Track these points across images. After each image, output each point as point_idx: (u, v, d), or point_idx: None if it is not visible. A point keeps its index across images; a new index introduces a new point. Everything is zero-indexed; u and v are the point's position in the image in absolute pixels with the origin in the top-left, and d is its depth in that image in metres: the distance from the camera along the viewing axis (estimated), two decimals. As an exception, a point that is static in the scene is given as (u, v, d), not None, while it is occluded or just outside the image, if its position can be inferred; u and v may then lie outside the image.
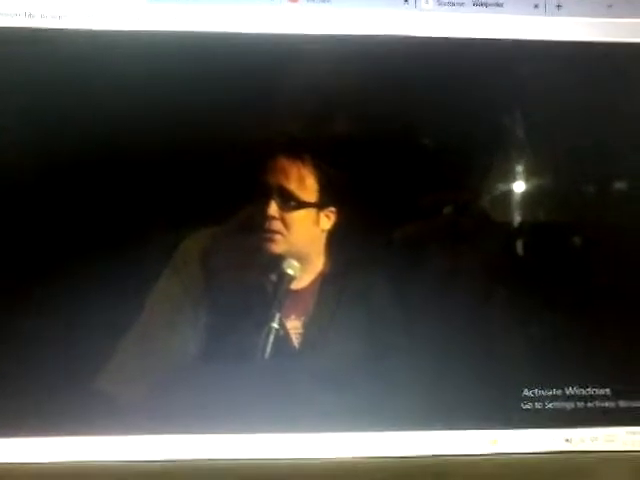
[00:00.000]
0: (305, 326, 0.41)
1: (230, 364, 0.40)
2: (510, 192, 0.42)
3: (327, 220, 0.40)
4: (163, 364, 0.40)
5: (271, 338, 0.40)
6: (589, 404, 0.41)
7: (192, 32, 0.39)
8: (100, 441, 0.40)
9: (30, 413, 0.39)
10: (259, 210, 0.39)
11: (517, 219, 0.42)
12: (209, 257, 0.40)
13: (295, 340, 0.41)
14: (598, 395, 0.41)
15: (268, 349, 0.40)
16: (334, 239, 0.41)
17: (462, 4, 0.39)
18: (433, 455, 0.41)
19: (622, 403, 0.41)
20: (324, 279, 0.41)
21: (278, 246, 0.40)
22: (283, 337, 0.40)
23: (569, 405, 0.41)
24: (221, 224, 0.40)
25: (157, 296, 0.40)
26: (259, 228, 0.40)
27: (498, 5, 0.39)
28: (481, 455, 0.41)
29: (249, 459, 0.40)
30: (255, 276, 0.40)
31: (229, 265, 0.40)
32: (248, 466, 0.40)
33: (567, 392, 0.41)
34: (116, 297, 0.39)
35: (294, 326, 0.41)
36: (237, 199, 0.39)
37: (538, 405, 0.41)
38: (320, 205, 0.40)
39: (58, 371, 0.39)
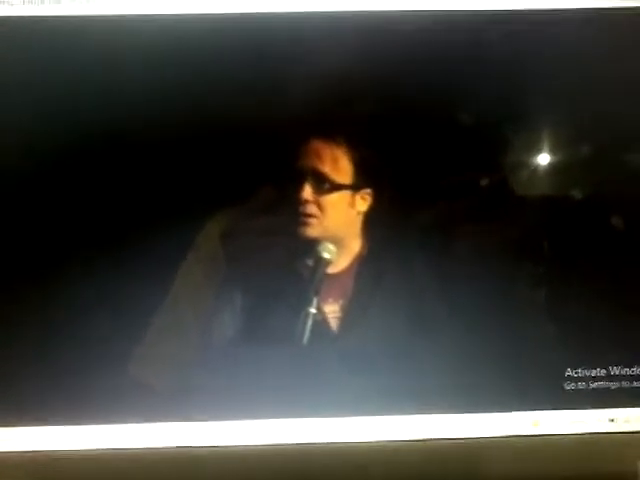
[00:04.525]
0: (343, 309, 0.41)
1: (269, 349, 0.40)
2: (546, 168, 0.41)
3: (363, 202, 0.40)
4: (194, 349, 0.40)
5: (309, 323, 0.39)
6: (634, 384, 0.40)
7: (221, 14, 0.38)
8: (134, 428, 0.40)
9: (60, 402, 0.40)
10: (293, 194, 0.39)
11: (555, 195, 0.41)
12: (243, 242, 0.40)
13: (333, 324, 0.41)
14: (643, 375, 0.40)
15: (307, 334, 0.39)
16: (370, 221, 0.40)
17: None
18: (475, 437, 0.41)
19: (668, 382, 0.40)
20: (361, 262, 0.41)
21: (314, 230, 0.39)
22: (321, 321, 0.40)
23: (613, 385, 0.41)
24: (256, 209, 0.39)
25: (188, 280, 0.40)
26: (293, 212, 0.39)
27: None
28: (523, 436, 0.41)
29: (290, 443, 0.40)
30: (291, 260, 0.40)
31: (265, 250, 0.39)
32: (290, 450, 0.40)
33: (611, 372, 0.40)
34: (146, 281, 0.39)
35: (332, 310, 0.41)
36: (271, 183, 0.39)
37: (581, 385, 0.40)
38: (355, 187, 0.39)
39: (89, 359, 0.39)
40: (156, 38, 0.38)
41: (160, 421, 0.40)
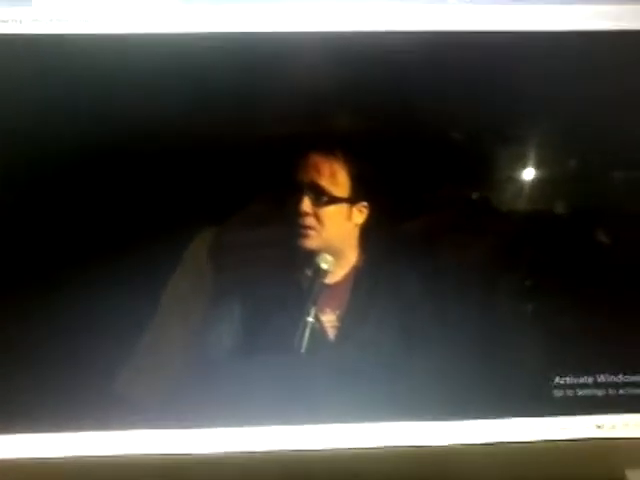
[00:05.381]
0: (340, 319, 0.42)
1: (267, 357, 0.41)
2: (539, 181, 0.42)
3: (360, 214, 0.41)
4: (186, 361, 0.41)
5: (307, 332, 0.40)
6: (620, 391, 0.42)
7: (219, 33, 0.39)
8: (130, 435, 0.41)
9: (48, 410, 0.41)
10: (292, 206, 0.40)
11: (545, 207, 0.43)
12: (242, 253, 0.41)
13: (331, 333, 0.42)
14: (629, 382, 0.42)
15: (305, 342, 0.40)
16: (367, 233, 0.41)
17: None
18: (464, 444, 0.42)
19: (654, 389, 0.42)
20: (358, 273, 0.42)
21: (312, 241, 0.41)
22: (319, 330, 0.41)
23: (600, 392, 0.42)
24: (253, 220, 0.40)
25: (175, 294, 0.40)
26: (293, 224, 0.40)
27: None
28: (512, 443, 0.42)
29: (287, 450, 0.41)
30: (290, 271, 0.41)
31: (263, 261, 0.40)
32: (287, 457, 0.41)
33: (598, 379, 0.42)
34: (136, 294, 0.40)
35: (329, 319, 0.42)
36: (270, 196, 0.40)
37: (569, 392, 0.42)
38: (352, 200, 0.41)
39: (76, 372, 0.40)
40: (155, 55, 0.39)
41: (155, 428, 0.41)
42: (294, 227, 0.40)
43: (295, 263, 0.41)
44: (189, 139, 0.40)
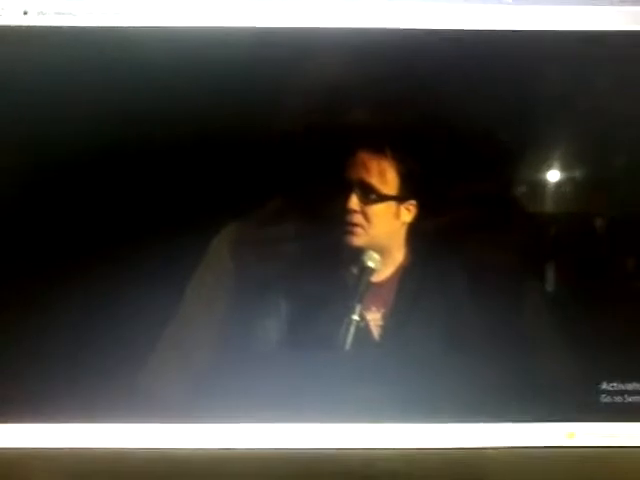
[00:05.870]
0: (385, 318, 0.41)
1: (311, 354, 0.41)
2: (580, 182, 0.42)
3: (407, 213, 0.41)
4: (220, 357, 0.41)
5: (352, 330, 0.40)
6: (670, 398, 0.41)
7: (263, 27, 0.39)
8: (155, 428, 0.41)
9: (73, 401, 0.41)
10: (340, 204, 0.40)
11: (594, 208, 0.42)
12: (285, 248, 0.41)
13: (375, 332, 0.41)
14: (679, 389, 0.41)
15: (349, 340, 0.40)
16: (414, 232, 0.41)
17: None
18: (511, 447, 0.41)
19: (703, 397, 0.41)
20: (404, 272, 0.42)
21: (359, 239, 0.40)
22: (363, 329, 0.41)
23: (648, 399, 0.41)
24: (302, 217, 0.40)
25: (200, 290, 0.41)
26: (340, 221, 0.40)
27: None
28: (558, 447, 0.41)
29: (331, 448, 0.41)
30: (336, 268, 0.41)
31: (310, 257, 0.40)
32: (326, 456, 0.41)
33: (647, 386, 0.41)
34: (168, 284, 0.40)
35: (374, 318, 0.41)
36: (319, 193, 0.40)
37: (617, 398, 0.41)
38: (401, 198, 0.40)
39: (101, 365, 0.41)
40: (186, 50, 0.39)
41: (179, 422, 0.41)
42: (342, 224, 0.40)
43: (341, 260, 0.41)
44: (225, 133, 0.40)
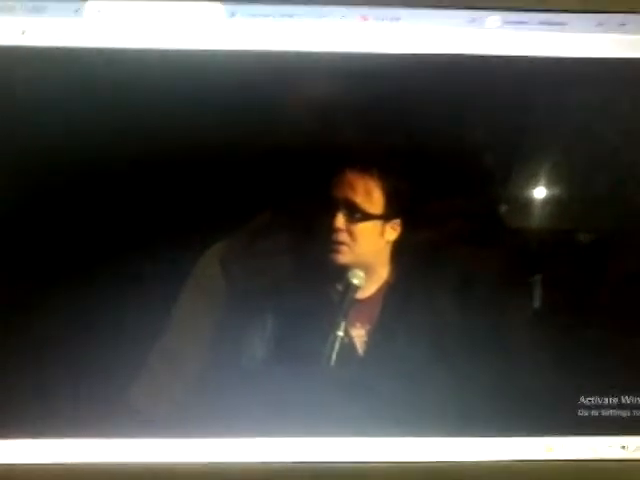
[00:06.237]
0: (369, 334, 0.42)
1: (296, 369, 0.41)
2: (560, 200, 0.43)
3: (392, 231, 0.41)
4: (208, 371, 0.42)
5: (337, 346, 0.41)
6: (645, 412, 0.42)
7: (270, 51, 0.40)
8: (148, 443, 0.42)
9: (63, 417, 0.41)
10: (326, 222, 0.41)
11: (578, 224, 0.43)
12: (278, 264, 0.41)
13: (360, 348, 0.42)
14: (655, 404, 0.42)
15: (334, 356, 0.41)
16: (398, 250, 0.42)
17: (526, 23, 0.40)
18: (490, 460, 0.42)
19: (678, 412, 0.42)
20: (388, 289, 0.42)
21: (344, 257, 0.41)
22: (348, 345, 0.42)
23: (625, 413, 0.42)
24: (286, 235, 0.41)
25: (189, 306, 0.41)
26: (326, 239, 0.41)
27: (562, 24, 0.40)
28: (537, 461, 0.42)
29: (315, 462, 0.42)
30: (322, 285, 0.42)
31: (296, 273, 0.41)
32: (310, 470, 0.42)
33: (623, 400, 0.42)
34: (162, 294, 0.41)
35: (358, 334, 0.42)
36: (304, 212, 0.41)
37: (594, 412, 0.42)
38: (386, 217, 0.41)
39: (90, 381, 0.41)
40: (185, 71, 0.40)
41: (167, 437, 0.42)
42: (327, 242, 0.41)
43: (327, 277, 0.41)
44: (216, 150, 0.40)
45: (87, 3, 0.39)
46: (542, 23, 0.40)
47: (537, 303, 0.42)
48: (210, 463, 0.41)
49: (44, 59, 0.39)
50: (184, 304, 0.41)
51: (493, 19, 0.40)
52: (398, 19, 0.40)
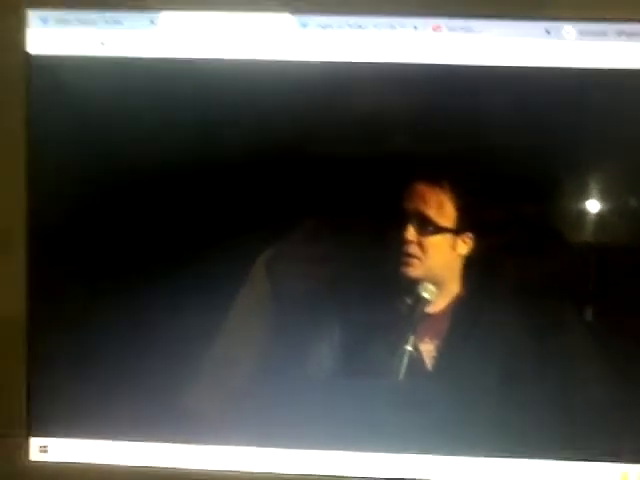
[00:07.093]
0: (438, 349, 0.41)
1: (362, 382, 0.41)
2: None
3: (464, 245, 0.41)
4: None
5: (405, 360, 0.40)
6: None
7: (341, 62, 0.40)
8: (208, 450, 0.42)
9: (121, 420, 0.42)
10: (397, 234, 0.40)
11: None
12: (346, 279, 0.41)
13: (428, 363, 0.41)
14: None
15: (402, 370, 0.40)
16: (470, 264, 0.41)
17: (605, 34, 0.39)
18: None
19: None
20: (459, 304, 0.42)
21: (415, 270, 0.41)
22: (417, 359, 0.41)
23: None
24: (358, 248, 0.41)
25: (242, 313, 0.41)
26: (397, 252, 0.40)
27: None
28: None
29: (379, 477, 0.41)
30: (390, 298, 0.41)
31: (364, 286, 0.41)
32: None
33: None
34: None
35: (427, 349, 0.41)
36: (376, 224, 0.40)
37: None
38: (457, 230, 0.41)
39: (148, 386, 0.42)
40: (257, 81, 0.40)
41: (225, 444, 0.42)
42: (398, 255, 0.40)
43: (397, 290, 0.41)
44: (268, 157, 0.40)
45: (161, 14, 0.40)
46: (620, 34, 0.39)
47: (611, 325, 0.41)
48: (269, 473, 0.41)
49: (122, 69, 0.40)
50: (236, 310, 0.41)
51: (569, 30, 0.40)
52: (471, 30, 0.40)
